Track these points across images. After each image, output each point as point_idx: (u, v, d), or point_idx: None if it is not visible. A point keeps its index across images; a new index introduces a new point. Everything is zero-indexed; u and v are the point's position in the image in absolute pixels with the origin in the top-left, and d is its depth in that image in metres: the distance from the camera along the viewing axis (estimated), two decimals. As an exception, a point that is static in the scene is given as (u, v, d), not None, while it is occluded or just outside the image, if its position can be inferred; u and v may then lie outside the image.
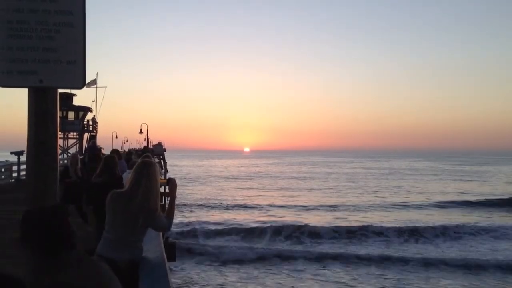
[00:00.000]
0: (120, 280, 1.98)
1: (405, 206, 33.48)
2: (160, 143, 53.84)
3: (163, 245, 4.19)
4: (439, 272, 15.53)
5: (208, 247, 17.75)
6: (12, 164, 20.51)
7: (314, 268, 15.69)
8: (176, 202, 4.08)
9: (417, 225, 23.78)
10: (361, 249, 18.84)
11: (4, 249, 6.54)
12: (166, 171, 43.01)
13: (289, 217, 26.92)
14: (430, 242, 20.76)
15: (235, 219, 26.19)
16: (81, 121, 38.14)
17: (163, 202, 11.76)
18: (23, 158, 19.28)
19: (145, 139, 48.65)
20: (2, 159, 22.08)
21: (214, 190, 45.58)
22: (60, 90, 2.84)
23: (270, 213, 29.24)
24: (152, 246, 3.87)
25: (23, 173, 19.90)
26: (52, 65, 2.53)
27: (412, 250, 19.19)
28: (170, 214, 3.70)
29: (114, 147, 23.80)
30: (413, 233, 21.84)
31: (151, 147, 45.31)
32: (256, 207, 31.95)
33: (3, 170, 19.33)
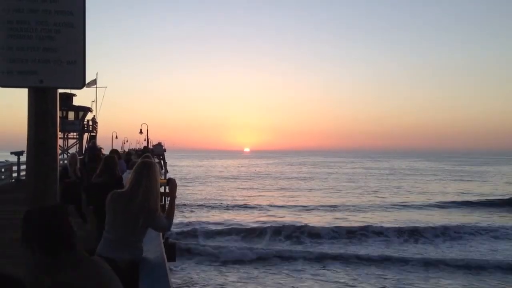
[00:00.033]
0: (120, 280, 1.98)
1: (405, 206, 33.48)
2: (160, 143, 53.86)
3: (163, 245, 4.20)
4: (439, 272, 15.53)
5: (208, 247, 17.75)
6: (12, 164, 20.51)
7: (314, 268, 15.69)
8: (176, 202, 4.08)
9: (417, 225, 23.78)
10: (361, 249, 18.84)
11: (4, 249, 6.55)
12: (166, 171, 43.03)
13: (289, 217, 26.92)
14: (430, 242, 20.76)
15: (235, 219, 26.19)
16: (81, 121, 38.12)
17: (163, 202, 11.77)
18: (23, 158, 19.27)
19: (145, 139, 48.72)
20: (2, 159, 22.07)
21: (214, 190, 45.58)
22: (60, 90, 2.84)
23: (270, 213, 29.25)
24: (152, 246, 3.87)
25: (23, 173, 19.90)
26: (52, 65, 2.53)
27: (412, 250, 19.19)
28: (170, 214, 3.70)
29: (114, 147, 23.80)
30: (413, 233, 21.83)
31: (151, 147, 45.30)
32: (256, 207, 31.96)
33: (3, 170, 19.32)
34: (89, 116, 39.83)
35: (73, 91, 33.53)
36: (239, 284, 13.83)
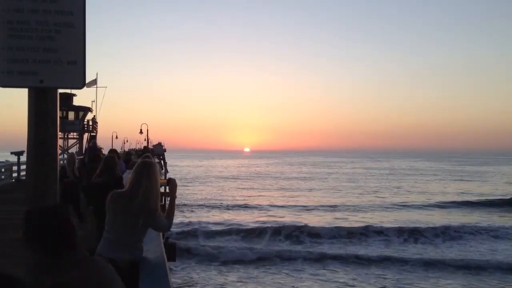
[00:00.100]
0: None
1: (405, 206, 33.49)
2: (160, 143, 53.87)
3: (163, 245, 4.20)
4: (439, 272, 15.54)
5: (208, 247, 17.76)
6: (12, 164, 20.51)
7: (314, 268, 15.70)
8: (176, 202, 4.08)
9: (417, 225, 23.80)
10: (361, 249, 18.85)
11: (4, 249, 6.55)
12: (166, 171, 43.04)
13: (289, 217, 26.94)
14: (430, 242, 20.76)
15: (235, 219, 26.20)
16: (81, 121, 38.13)
17: (163, 202, 11.78)
18: (23, 158, 19.28)
19: (145, 139, 48.73)
20: (2, 159, 22.05)
21: (214, 190, 45.60)
22: (60, 90, 2.84)
23: (270, 213, 29.26)
24: (152, 246, 3.87)
25: (23, 173, 19.90)
26: (53, 65, 2.53)
27: (412, 250, 19.20)
28: (170, 214, 3.71)
29: (114, 148, 23.79)
30: (413, 233, 21.84)
31: (151, 147, 45.31)
32: (256, 207, 31.97)
33: (3, 170, 19.32)
34: (89, 116, 39.87)
35: (73, 91, 33.54)
36: (239, 284, 13.84)
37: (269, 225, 22.87)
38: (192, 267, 15.47)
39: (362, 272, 15.32)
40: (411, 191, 45.90)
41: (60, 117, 2.75)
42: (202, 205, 32.80)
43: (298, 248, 18.93)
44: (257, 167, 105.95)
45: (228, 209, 31.34)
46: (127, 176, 4.38)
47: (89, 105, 39.16)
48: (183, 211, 28.55)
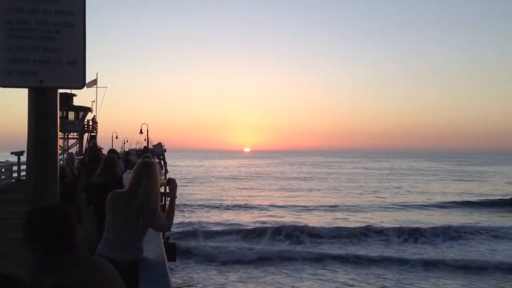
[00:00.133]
0: (120, 280, 1.98)
1: (405, 206, 33.48)
2: (160, 143, 53.87)
3: (163, 245, 4.20)
4: (439, 272, 15.54)
5: (208, 247, 17.76)
6: (12, 164, 20.51)
7: (314, 268, 15.70)
8: (176, 202, 4.08)
9: (417, 225, 23.79)
10: (361, 249, 18.84)
11: (4, 249, 6.54)
12: (166, 171, 43.04)
13: (289, 217, 26.93)
14: (430, 242, 20.76)
15: (235, 219, 26.19)
16: (81, 121, 38.13)
17: (163, 202, 11.78)
18: (23, 158, 19.28)
19: (145, 139, 48.72)
20: (2, 159, 22.05)
21: (214, 190, 45.60)
22: (60, 90, 2.84)
23: (270, 213, 29.26)
24: (152, 246, 3.87)
25: (23, 173, 19.91)
26: (53, 66, 2.53)
27: (412, 250, 19.19)
28: (170, 214, 3.71)
29: (114, 148, 23.78)
30: (413, 233, 21.83)
31: (151, 147, 45.31)
32: (256, 207, 31.97)
33: (3, 170, 19.32)
34: (89, 116, 39.88)
35: (73, 91, 33.56)
36: (239, 284, 13.84)
37: (269, 225, 22.86)
38: (192, 267, 15.48)
39: (362, 272, 15.32)
40: (411, 191, 45.90)
41: (60, 117, 2.75)
42: (202, 205, 32.80)
43: (298, 248, 18.92)
44: (257, 167, 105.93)
45: (228, 209, 31.33)
46: (127, 176, 4.38)
47: (89, 105, 39.21)
48: (183, 211, 28.55)
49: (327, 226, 23.07)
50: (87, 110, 38.91)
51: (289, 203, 34.22)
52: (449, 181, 62.57)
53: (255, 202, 35.15)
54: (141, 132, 45.71)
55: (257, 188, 49.50)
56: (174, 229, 18.09)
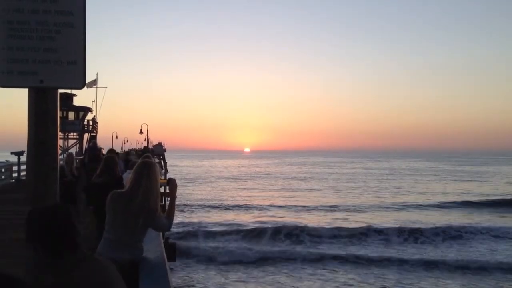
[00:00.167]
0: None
1: (405, 206, 33.47)
2: (160, 143, 53.86)
3: (163, 245, 4.20)
4: (438, 272, 15.54)
5: (208, 247, 17.77)
6: (12, 164, 20.51)
7: (313, 268, 15.70)
8: (176, 202, 4.09)
9: (417, 225, 23.79)
10: (361, 249, 18.85)
11: (4, 249, 6.54)
12: (166, 171, 43.04)
13: (289, 217, 26.93)
14: (430, 242, 20.76)
15: (235, 219, 26.19)
16: (81, 121, 38.14)
17: (163, 202, 11.79)
18: (23, 158, 19.29)
19: (145, 139, 48.72)
20: (2, 159, 22.05)
21: (214, 191, 45.61)
22: (60, 90, 2.84)
23: (270, 213, 29.26)
24: (152, 246, 3.88)
25: (23, 173, 19.90)
26: (53, 66, 2.53)
27: (412, 250, 19.19)
28: (170, 215, 3.71)
29: (114, 148, 23.78)
30: (413, 233, 21.83)
31: (151, 147, 45.32)
32: (256, 207, 31.97)
33: (3, 170, 19.32)
34: (89, 116, 39.90)
35: (73, 91, 33.56)
36: (239, 284, 13.84)
37: (269, 225, 22.86)
38: (192, 267, 15.48)
39: (362, 272, 15.33)
40: (411, 191, 45.90)
41: (60, 117, 2.76)
42: (202, 205, 32.81)
43: (298, 248, 18.91)
44: (257, 167, 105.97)
45: (228, 209, 31.34)
46: (127, 176, 4.38)
47: (89, 105, 39.23)
48: (183, 211, 28.55)
49: (327, 226, 23.07)
50: (87, 110, 38.93)
51: (289, 203, 34.22)
52: (449, 181, 62.58)
53: (255, 202, 35.16)
54: (141, 132, 45.74)
55: (257, 188, 49.50)
56: (174, 229, 18.09)
